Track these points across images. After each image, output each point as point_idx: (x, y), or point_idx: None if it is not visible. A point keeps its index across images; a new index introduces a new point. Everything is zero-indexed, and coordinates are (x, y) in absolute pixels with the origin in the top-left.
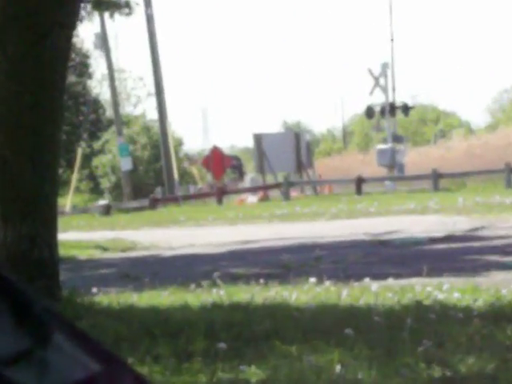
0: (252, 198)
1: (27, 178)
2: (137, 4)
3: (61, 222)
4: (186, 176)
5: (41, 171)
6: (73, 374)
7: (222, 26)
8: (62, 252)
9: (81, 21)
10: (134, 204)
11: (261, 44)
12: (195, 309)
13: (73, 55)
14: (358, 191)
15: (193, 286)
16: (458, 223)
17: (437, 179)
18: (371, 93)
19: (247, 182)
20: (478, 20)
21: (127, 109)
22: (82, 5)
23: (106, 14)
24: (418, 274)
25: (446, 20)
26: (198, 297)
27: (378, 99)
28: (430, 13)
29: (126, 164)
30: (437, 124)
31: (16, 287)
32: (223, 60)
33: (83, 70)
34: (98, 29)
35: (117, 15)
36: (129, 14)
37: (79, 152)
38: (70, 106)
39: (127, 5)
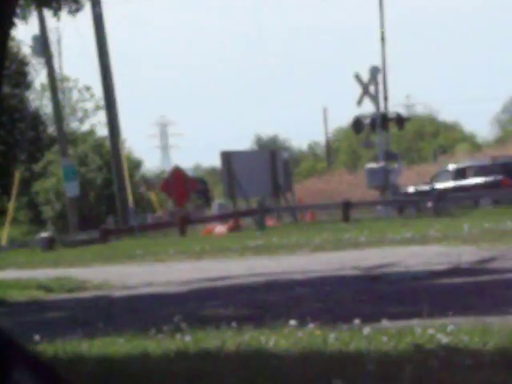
0: (221, 228)
1: None
2: None
3: None
4: (142, 203)
5: None
6: None
7: (185, 28)
8: None
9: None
10: (82, 236)
11: (228, 47)
12: (156, 358)
13: (7, 62)
14: (346, 218)
15: (153, 331)
16: (464, 254)
17: (439, 203)
18: (359, 102)
19: (215, 208)
20: (484, 14)
21: (72, 125)
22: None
23: (47, 14)
24: (418, 314)
25: (446, 15)
26: (158, 344)
27: (367, 110)
28: (427, 7)
29: (72, 189)
30: (436, 138)
31: None
32: (184, 68)
33: (20, 79)
34: (36, 31)
35: (62, 13)
36: (77, 10)
37: (16, 176)
38: (4, 123)
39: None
